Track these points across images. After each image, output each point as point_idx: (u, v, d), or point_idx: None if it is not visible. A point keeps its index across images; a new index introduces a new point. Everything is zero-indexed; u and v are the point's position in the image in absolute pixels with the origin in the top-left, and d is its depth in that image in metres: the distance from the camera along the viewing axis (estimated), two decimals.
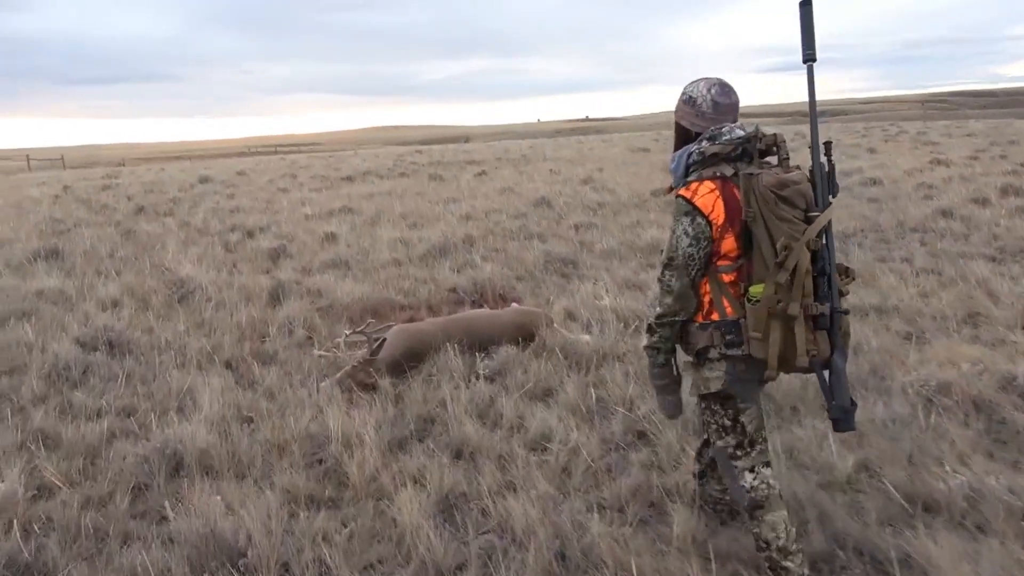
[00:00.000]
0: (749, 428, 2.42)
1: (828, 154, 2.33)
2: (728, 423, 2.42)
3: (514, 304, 5.97)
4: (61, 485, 3.36)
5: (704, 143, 2.36)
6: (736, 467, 2.43)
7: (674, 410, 2.57)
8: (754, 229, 2.23)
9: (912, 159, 18.05)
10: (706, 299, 2.37)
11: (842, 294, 2.30)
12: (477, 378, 4.31)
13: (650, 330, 2.45)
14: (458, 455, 3.56)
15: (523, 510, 2.91)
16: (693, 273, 2.33)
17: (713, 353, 2.34)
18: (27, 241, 9.75)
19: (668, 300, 2.36)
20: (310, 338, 5.34)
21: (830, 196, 2.30)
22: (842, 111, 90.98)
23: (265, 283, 6.76)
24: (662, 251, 2.44)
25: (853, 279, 2.37)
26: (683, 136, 2.47)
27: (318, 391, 4.20)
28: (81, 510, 3.14)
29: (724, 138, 2.34)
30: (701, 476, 2.82)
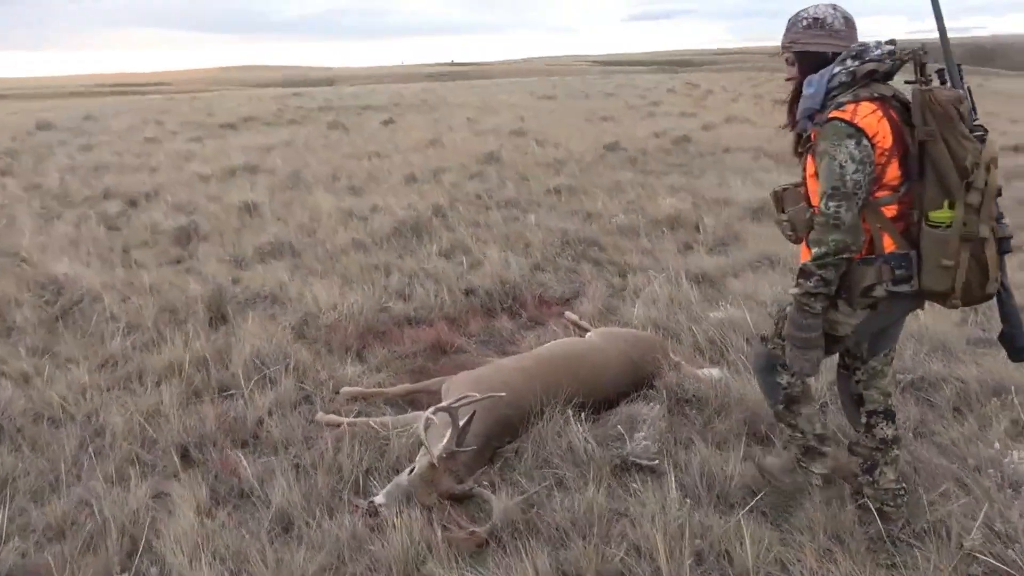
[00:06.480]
0: None
1: (962, 78, 2.18)
2: None
3: (567, 314, 4.36)
4: None
5: (849, 62, 2.19)
6: (778, 370, 2.46)
7: (815, 368, 2.30)
8: (932, 150, 2.07)
9: None
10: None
11: None
12: (627, 469, 2.73)
13: (806, 274, 2.18)
14: None
15: None
16: (860, 203, 2.12)
17: (879, 291, 2.17)
18: None
19: (836, 235, 2.11)
20: (303, 387, 3.49)
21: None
22: (687, 61, 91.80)
23: (194, 287, 4.71)
24: (797, 185, 2.33)
25: None
26: (813, 62, 2.28)
27: (369, 513, 2.47)
28: None
29: (875, 53, 2.17)
30: (871, 469, 2.43)
